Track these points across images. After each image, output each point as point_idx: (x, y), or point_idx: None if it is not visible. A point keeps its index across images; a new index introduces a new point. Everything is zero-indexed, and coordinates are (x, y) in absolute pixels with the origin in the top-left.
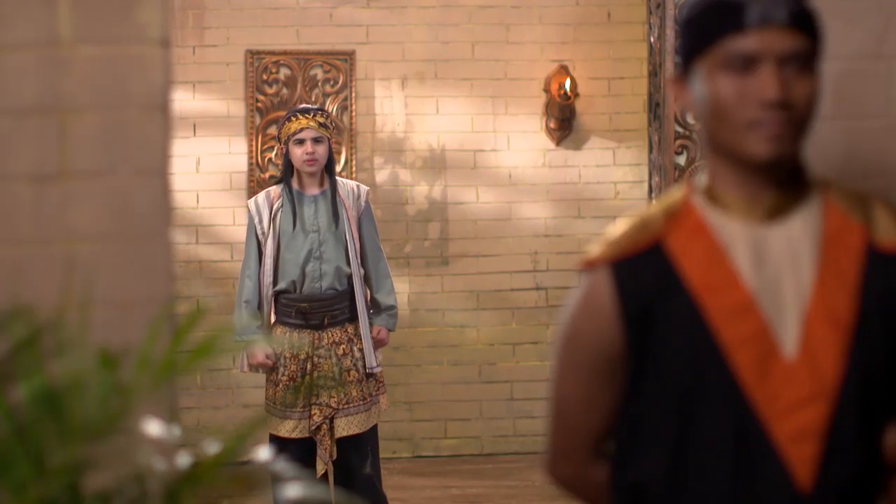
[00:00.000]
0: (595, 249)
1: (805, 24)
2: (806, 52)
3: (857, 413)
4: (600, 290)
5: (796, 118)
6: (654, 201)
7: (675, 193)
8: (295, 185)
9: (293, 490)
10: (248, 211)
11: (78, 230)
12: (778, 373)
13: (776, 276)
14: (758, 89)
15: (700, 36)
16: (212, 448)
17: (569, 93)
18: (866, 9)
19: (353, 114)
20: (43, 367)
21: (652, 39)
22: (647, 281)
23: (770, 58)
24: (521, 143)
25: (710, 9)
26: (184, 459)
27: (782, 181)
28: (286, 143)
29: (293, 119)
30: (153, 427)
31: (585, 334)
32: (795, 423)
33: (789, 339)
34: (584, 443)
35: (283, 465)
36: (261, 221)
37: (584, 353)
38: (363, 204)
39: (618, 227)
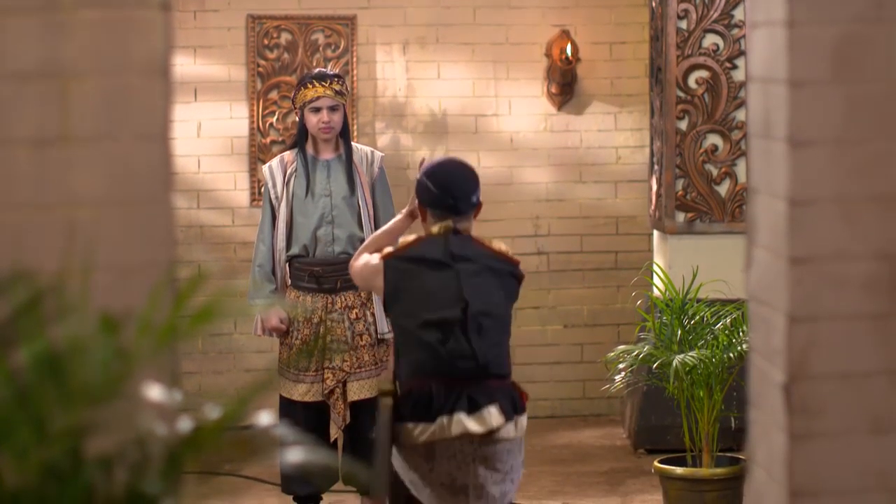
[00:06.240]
0: None
1: None
2: None
3: None
4: None
5: None
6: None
7: None
8: (309, 149)
9: (296, 454)
10: (264, 176)
11: (79, 195)
12: None
13: None
14: None
15: None
16: (213, 413)
17: (570, 57)
18: None
19: (355, 78)
20: (44, 332)
21: (654, 4)
22: None
23: None
24: (523, 107)
25: None
26: (185, 424)
27: None
28: (301, 108)
29: (309, 86)
30: (154, 392)
31: None
32: None
33: None
34: None
35: (286, 430)
36: (274, 186)
37: None
38: (377, 170)
39: None
